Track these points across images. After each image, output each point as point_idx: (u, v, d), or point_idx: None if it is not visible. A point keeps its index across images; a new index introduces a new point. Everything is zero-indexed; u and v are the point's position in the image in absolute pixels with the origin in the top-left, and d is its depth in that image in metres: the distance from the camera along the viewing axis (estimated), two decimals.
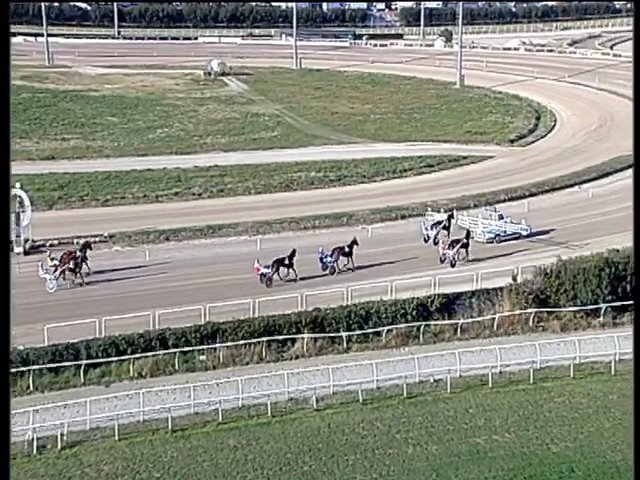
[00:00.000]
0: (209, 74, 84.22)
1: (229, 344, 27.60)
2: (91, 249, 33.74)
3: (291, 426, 24.40)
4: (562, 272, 31.32)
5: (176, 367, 26.92)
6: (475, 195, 45.59)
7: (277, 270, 32.85)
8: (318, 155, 54.55)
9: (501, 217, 39.00)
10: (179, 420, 24.44)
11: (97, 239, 36.70)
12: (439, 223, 38.57)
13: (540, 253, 36.47)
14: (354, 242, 34.92)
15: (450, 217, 39.21)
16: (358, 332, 28.91)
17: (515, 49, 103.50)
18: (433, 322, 29.75)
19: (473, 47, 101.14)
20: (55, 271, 31.84)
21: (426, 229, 38.44)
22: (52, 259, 32.34)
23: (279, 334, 28.27)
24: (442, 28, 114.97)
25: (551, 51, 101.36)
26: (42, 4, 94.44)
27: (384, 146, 57.60)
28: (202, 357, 27.41)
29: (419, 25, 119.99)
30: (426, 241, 38.41)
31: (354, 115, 67.87)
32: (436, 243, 37.73)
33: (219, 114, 67.64)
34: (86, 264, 33.01)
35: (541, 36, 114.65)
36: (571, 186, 47.89)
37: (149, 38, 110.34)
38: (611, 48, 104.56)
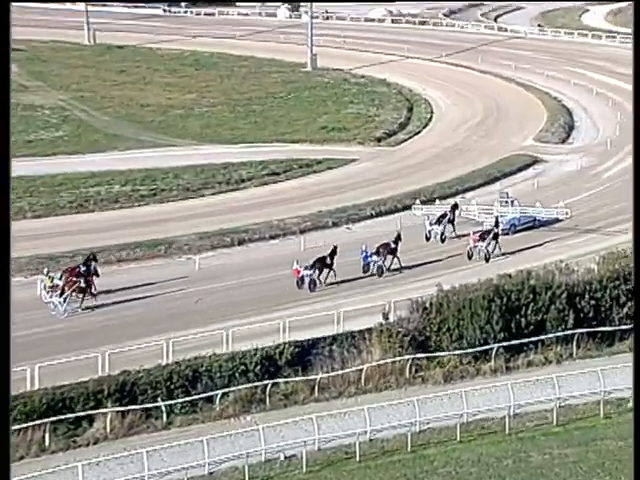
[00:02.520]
0: None
1: None
2: (96, 261, 36.23)
3: None
4: (444, 306, 33.01)
5: None
6: (334, 210, 47.10)
7: (319, 271, 37.12)
8: (123, 163, 54.11)
9: (513, 203, 44.41)
10: None
11: None
12: (444, 216, 42.76)
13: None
14: (398, 237, 39.34)
15: (454, 208, 43.68)
16: (183, 400, 28.91)
17: (380, 20, 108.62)
18: (283, 380, 30.29)
19: (327, 18, 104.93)
20: (63, 292, 34.04)
21: (430, 224, 42.34)
22: (51, 278, 34.71)
23: (71, 411, 27.62)
24: None
25: (424, 23, 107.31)
26: None
27: (214, 149, 58.07)
28: None
29: None
30: (428, 239, 42.26)
31: (172, 108, 68.02)
32: (443, 240, 42.39)
33: None
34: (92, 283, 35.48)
35: (411, 4, 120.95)
36: (453, 195, 50.51)
37: None
38: (495, 20, 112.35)
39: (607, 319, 33.88)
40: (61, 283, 34.62)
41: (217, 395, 29.19)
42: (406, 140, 62.72)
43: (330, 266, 37.76)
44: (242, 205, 48.26)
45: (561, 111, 69.62)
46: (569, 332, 33.06)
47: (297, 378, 30.46)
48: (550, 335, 33.03)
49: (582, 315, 33.54)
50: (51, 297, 34.28)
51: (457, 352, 32.24)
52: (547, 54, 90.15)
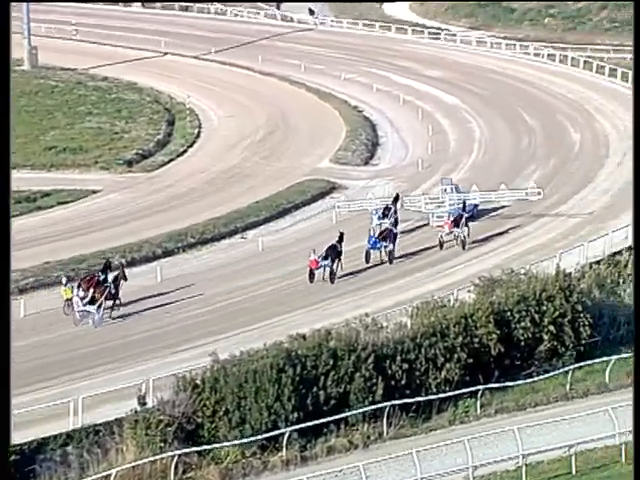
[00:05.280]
0: None
1: None
2: (111, 269, 43.01)
3: None
4: (221, 381, 33.25)
5: None
6: (68, 261, 46.54)
7: (336, 260, 44.95)
8: None
9: (457, 190, 51.86)
10: None
11: None
12: (388, 210, 49.58)
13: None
14: (396, 222, 48.56)
15: (396, 200, 50.91)
16: None
17: (127, 3, 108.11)
18: None
19: None
20: (93, 301, 41.28)
21: (379, 218, 49.19)
22: (70, 288, 41.80)
23: None
24: None
25: (187, 9, 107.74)
26: None
27: None
28: None
29: None
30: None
31: None
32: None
33: None
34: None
35: None
36: (231, 235, 51.49)
37: None
38: (278, 7, 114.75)
39: (422, 386, 35.15)
40: (82, 293, 41.27)
41: None
42: (167, 163, 63.23)
43: (340, 255, 45.08)
44: None
45: (363, 124, 72.05)
46: (378, 406, 33.92)
47: None
48: (355, 411, 33.85)
49: (393, 383, 34.62)
50: (87, 305, 41.08)
51: (238, 442, 32.40)
52: (344, 51, 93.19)
